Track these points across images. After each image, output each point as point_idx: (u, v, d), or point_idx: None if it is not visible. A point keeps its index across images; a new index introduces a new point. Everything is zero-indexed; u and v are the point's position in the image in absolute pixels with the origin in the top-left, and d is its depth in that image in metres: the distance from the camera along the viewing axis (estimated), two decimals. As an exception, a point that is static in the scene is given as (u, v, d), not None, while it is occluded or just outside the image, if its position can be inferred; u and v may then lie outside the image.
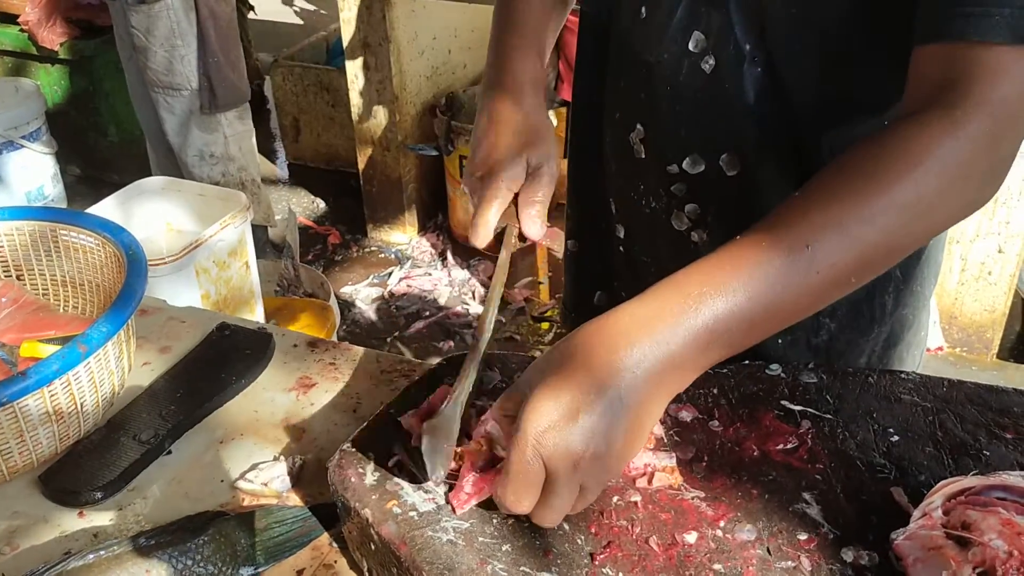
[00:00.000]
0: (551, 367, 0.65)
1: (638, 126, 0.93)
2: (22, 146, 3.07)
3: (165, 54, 2.51)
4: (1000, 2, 0.66)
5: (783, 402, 0.80)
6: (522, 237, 0.87)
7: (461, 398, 0.74)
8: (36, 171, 3.15)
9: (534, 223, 0.85)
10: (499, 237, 0.88)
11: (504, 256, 0.86)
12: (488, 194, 0.85)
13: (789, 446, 0.76)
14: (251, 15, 4.05)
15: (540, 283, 3.05)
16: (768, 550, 0.67)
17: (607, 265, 1.05)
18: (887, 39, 0.78)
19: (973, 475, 0.70)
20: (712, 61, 0.85)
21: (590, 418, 0.62)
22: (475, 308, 2.96)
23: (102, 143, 3.58)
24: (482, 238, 0.85)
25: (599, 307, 1.07)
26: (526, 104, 0.90)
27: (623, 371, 0.63)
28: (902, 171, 0.67)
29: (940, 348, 2.68)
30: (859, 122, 0.84)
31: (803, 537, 0.68)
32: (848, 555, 0.67)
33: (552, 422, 0.62)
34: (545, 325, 2.89)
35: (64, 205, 3.28)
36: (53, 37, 3.30)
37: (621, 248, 1.02)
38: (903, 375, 0.84)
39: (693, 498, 0.72)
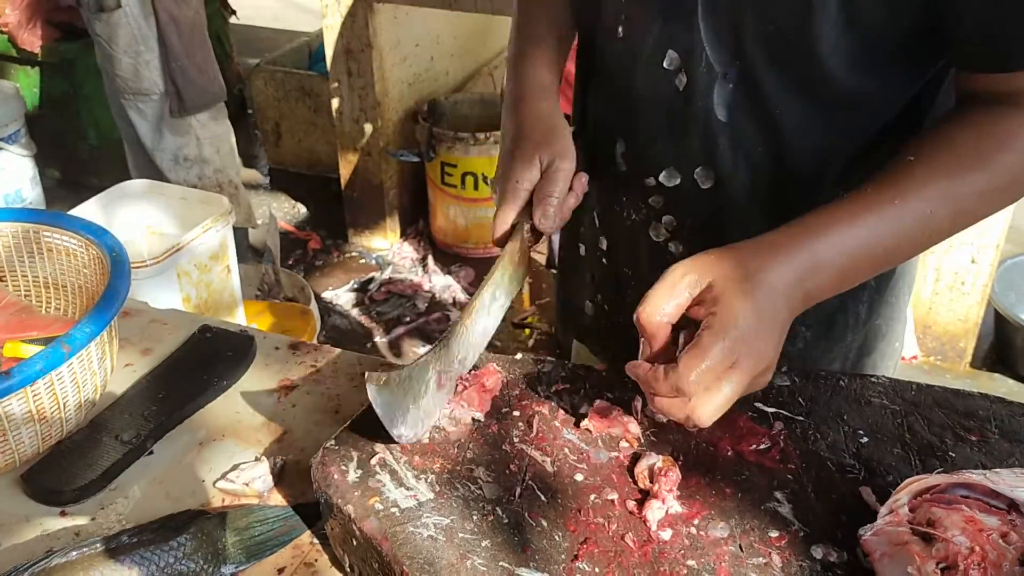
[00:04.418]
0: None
1: (618, 140, 0.96)
2: (0, 148, 3.05)
3: (130, 60, 2.51)
4: None
5: (757, 404, 0.82)
6: (535, 232, 0.90)
7: (432, 361, 0.79)
8: (15, 174, 3.13)
9: (545, 216, 0.89)
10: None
11: (512, 247, 0.89)
12: (504, 195, 0.90)
13: (762, 446, 0.78)
14: (232, 19, 4.05)
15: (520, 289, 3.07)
16: (740, 547, 0.69)
17: (592, 276, 1.07)
18: (862, 55, 0.80)
19: (938, 473, 0.72)
20: (684, 79, 0.87)
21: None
22: (456, 314, 2.97)
23: (81, 146, 3.56)
24: (498, 234, 0.90)
25: (588, 316, 1.09)
26: (536, 108, 0.95)
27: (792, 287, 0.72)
28: (995, 150, 0.76)
29: (915, 357, 2.71)
30: (831, 138, 0.86)
31: (774, 534, 0.70)
32: (818, 552, 0.69)
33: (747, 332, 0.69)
34: (527, 332, 2.91)
35: (43, 208, 3.26)
36: (33, 40, 3.29)
37: (604, 260, 1.04)
38: (873, 379, 0.86)
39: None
